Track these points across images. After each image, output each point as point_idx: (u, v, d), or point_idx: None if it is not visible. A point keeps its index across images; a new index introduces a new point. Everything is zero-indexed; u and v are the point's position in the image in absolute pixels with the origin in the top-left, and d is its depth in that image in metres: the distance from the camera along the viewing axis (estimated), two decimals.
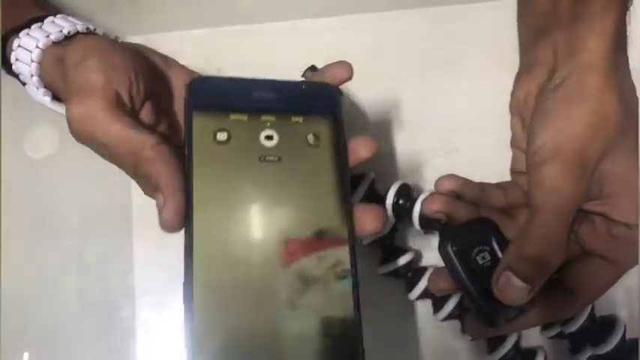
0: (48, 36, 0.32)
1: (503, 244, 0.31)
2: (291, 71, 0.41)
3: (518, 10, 0.40)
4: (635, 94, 0.33)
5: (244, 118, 0.27)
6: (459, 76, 0.46)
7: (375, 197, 0.40)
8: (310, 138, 0.27)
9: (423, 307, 0.41)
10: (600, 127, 0.31)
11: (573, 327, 0.37)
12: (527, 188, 0.34)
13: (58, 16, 0.34)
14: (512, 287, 0.29)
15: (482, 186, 0.36)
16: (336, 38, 0.47)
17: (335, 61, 0.30)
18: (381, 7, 0.47)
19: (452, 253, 0.31)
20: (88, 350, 0.43)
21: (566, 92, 0.32)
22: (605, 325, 0.37)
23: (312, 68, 0.39)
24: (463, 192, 0.35)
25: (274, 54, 0.47)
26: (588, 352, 0.38)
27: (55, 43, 0.32)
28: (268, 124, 0.27)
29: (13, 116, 0.46)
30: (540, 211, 0.31)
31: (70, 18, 0.34)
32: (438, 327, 0.41)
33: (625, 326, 0.37)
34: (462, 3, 0.47)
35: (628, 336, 0.37)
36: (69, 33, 0.33)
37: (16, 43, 0.33)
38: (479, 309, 0.31)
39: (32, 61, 0.33)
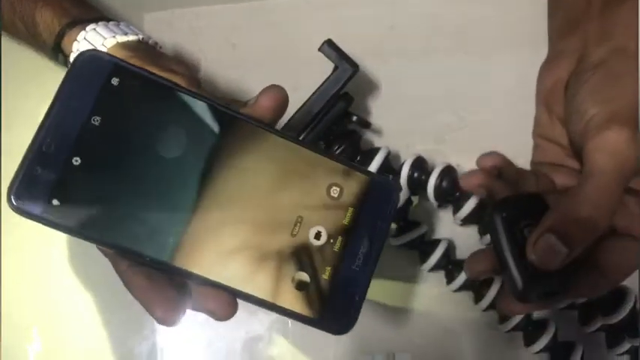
0: (114, 36, 0.35)
1: None
2: (306, 46, 0.41)
3: (548, 3, 0.40)
4: None
5: None
6: (472, 53, 0.46)
7: (390, 171, 0.41)
8: None
9: (436, 279, 0.42)
10: None
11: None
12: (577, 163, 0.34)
13: (122, 23, 0.37)
14: (551, 250, 0.29)
15: (519, 169, 0.36)
16: (350, 13, 0.47)
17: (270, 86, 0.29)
18: None
19: (499, 221, 0.30)
20: (104, 323, 0.44)
21: (609, 68, 0.32)
22: (616, 295, 0.38)
23: (329, 42, 0.39)
24: (503, 170, 0.35)
25: (289, 29, 0.47)
26: (598, 323, 0.39)
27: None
28: None
29: (32, 95, 0.47)
30: (599, 173, 0.30)
31: (131, 27, 0.37)
32: (450, 298, 0.42)
33: (636, 297, 0.38)
34: None
35: None
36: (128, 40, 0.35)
37: (81, 35, 0.35)
38: (513, 282, 0.30)
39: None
